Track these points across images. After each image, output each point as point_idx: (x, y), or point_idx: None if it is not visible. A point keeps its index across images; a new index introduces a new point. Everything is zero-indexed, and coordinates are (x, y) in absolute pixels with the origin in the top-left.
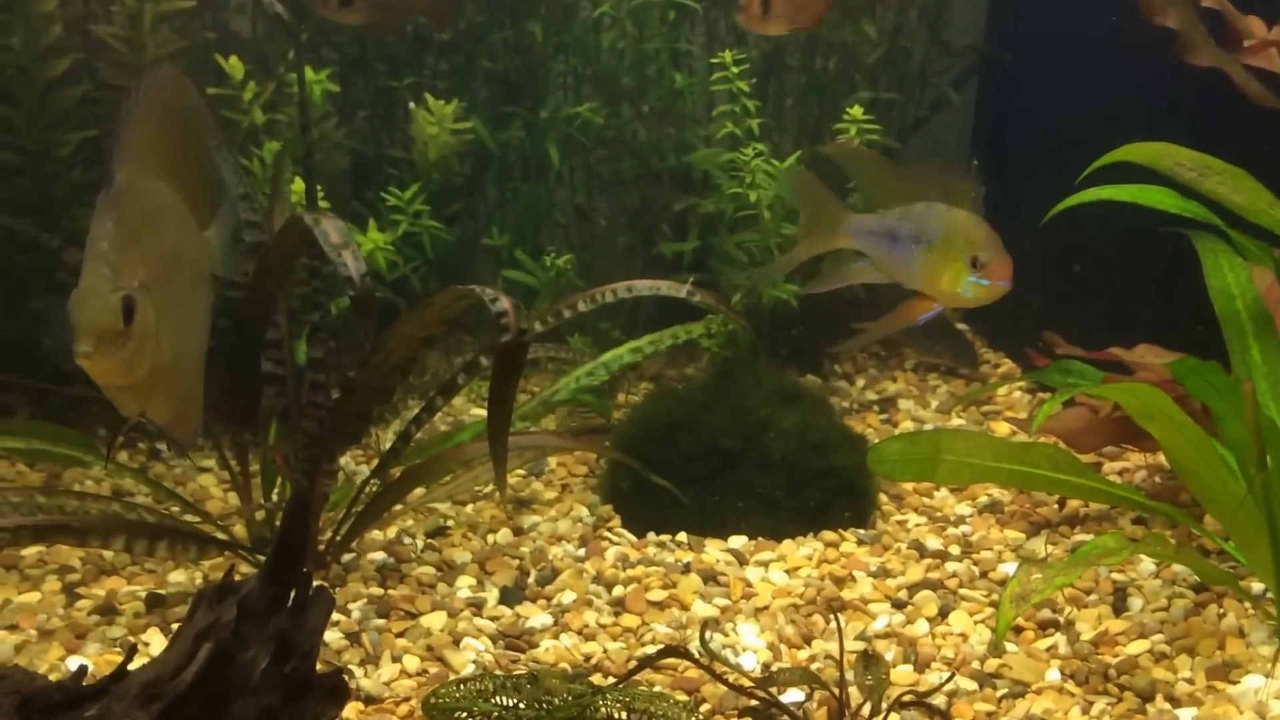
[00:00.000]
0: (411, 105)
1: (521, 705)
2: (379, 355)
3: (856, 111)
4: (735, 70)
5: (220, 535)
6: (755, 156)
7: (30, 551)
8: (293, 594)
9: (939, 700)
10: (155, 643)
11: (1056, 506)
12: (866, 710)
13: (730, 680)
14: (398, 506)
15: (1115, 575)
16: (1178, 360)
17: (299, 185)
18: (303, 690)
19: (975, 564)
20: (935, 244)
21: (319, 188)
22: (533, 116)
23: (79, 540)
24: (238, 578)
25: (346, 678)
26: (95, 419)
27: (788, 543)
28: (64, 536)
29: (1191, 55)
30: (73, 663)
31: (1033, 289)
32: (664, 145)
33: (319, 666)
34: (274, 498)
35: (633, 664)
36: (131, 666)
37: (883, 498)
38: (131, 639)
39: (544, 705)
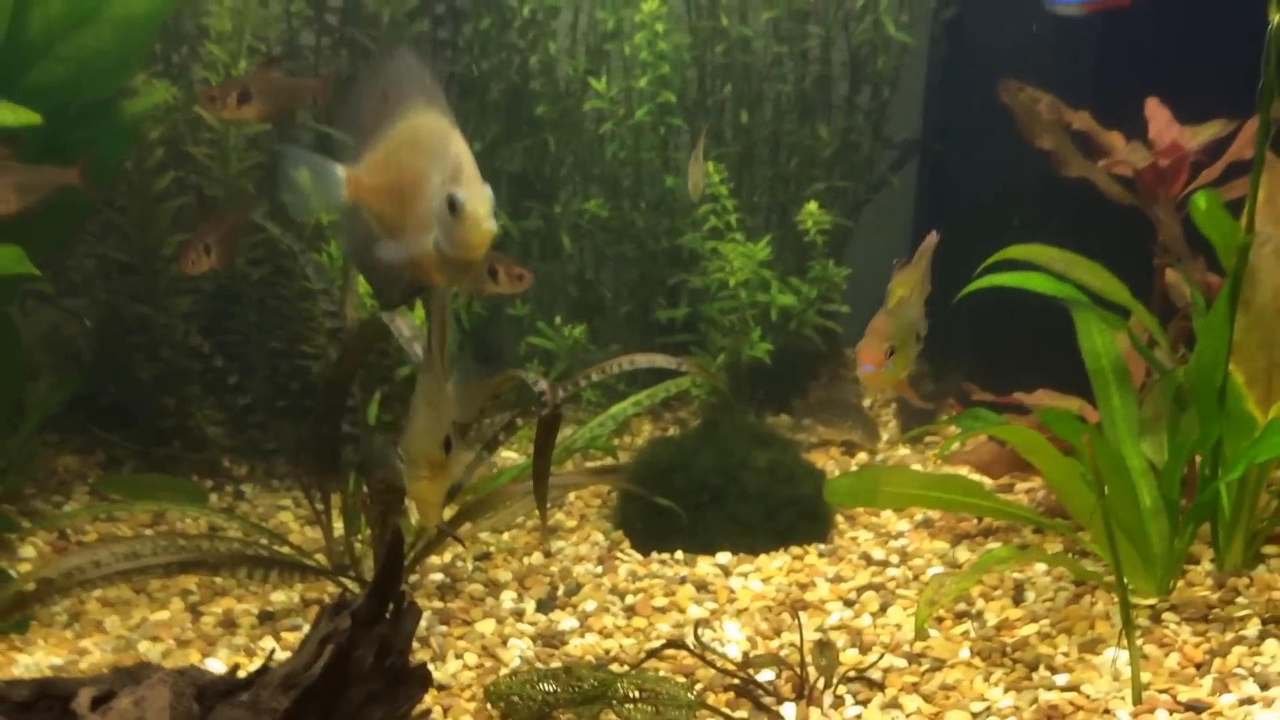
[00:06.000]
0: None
1: (558, 690)
2: None
3: (812, 207)
4: (716, 176)
5: (309, 563)
6: (729, 241)
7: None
8: (390, 607)
9: (877, 675)
10: (269, 646)
11: (975, 522)
12: (821, 685)
13: (718, 665)
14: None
15: (1016, 575)
16: (1044, 410)
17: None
18: (398, 679)
19: (910, 570)
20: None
21: None
22: (547, 209)
23: (212, 571)
24: (326, 598)
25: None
26: (190, 470)
27: (763, 557)
28: (201, 569)
29: (1064, 168)
30: (211, 664)
31: (962, 346)
32: (658, 231)
33: (409, 661)
34: (358, 534)
35: (642, 655)
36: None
37: (839, 519)
38: (252, 646)
39: (576, 689)
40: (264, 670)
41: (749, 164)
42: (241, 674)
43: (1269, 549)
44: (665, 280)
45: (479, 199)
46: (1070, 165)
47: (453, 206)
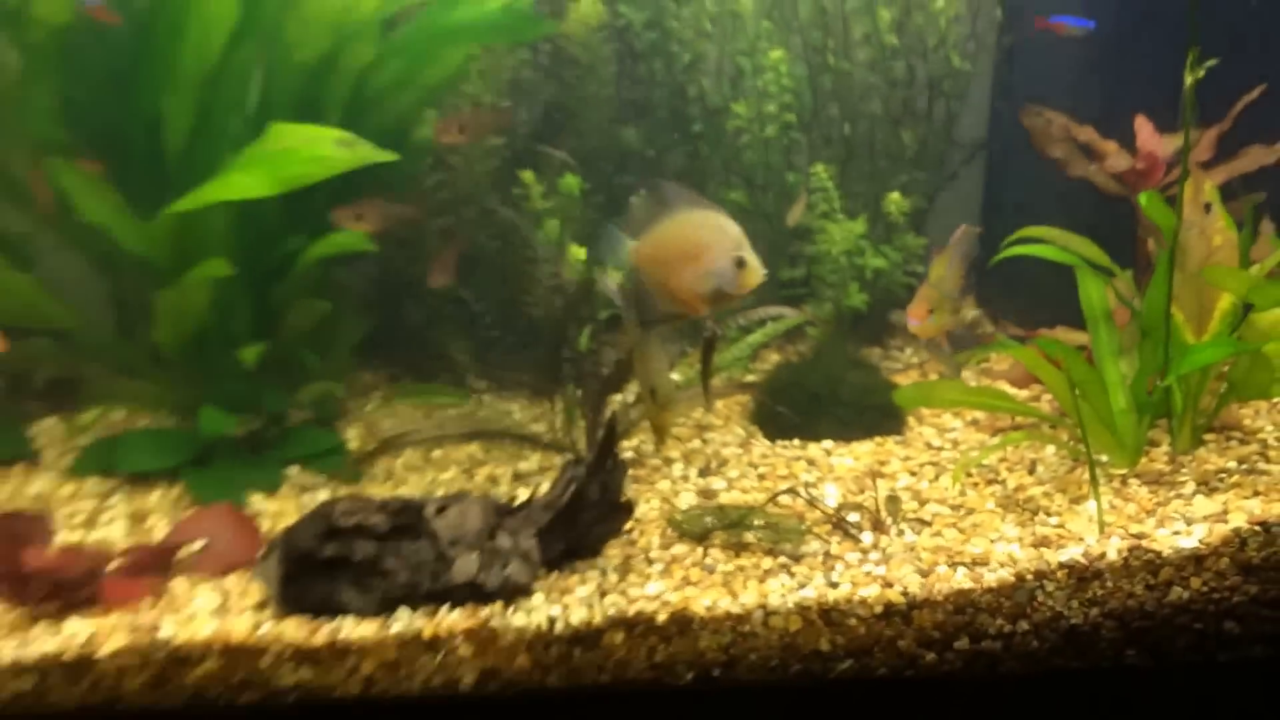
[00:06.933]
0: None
1: (714, 520)
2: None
3: (895, 195)
4: (825, 173)
5: (545, 440)
6: (834, 221)
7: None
8: (607, 463)
9: (927, 516)
10: (523, 495)
11: (1010, 420)
12: (889, 522)
13: (820, 508)
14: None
15: (1031, 455)
16: (1042, 339)
17: (578, 253)
18: (613, 508)
19: (958, 453)
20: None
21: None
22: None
23: (488, 440)
24: (554, 466)
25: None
26: (445, 385)
27: (854, 444)
28: (480, 438)
29: (1070, 170)
30: None
31: (1010, 296)
32: (782, 213)
33: (620, 498)
34: (573, 423)
35: (768, 499)
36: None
37: (910, 419)
38: (512, 494)
39: (725, 519)
40: (531, 499)
41: (850, 162)
42: (517, 502)
43: (1208, 436)
44: (787, 250)
45: (754, 259)
46: (1075, 167)
47: (740, 264)
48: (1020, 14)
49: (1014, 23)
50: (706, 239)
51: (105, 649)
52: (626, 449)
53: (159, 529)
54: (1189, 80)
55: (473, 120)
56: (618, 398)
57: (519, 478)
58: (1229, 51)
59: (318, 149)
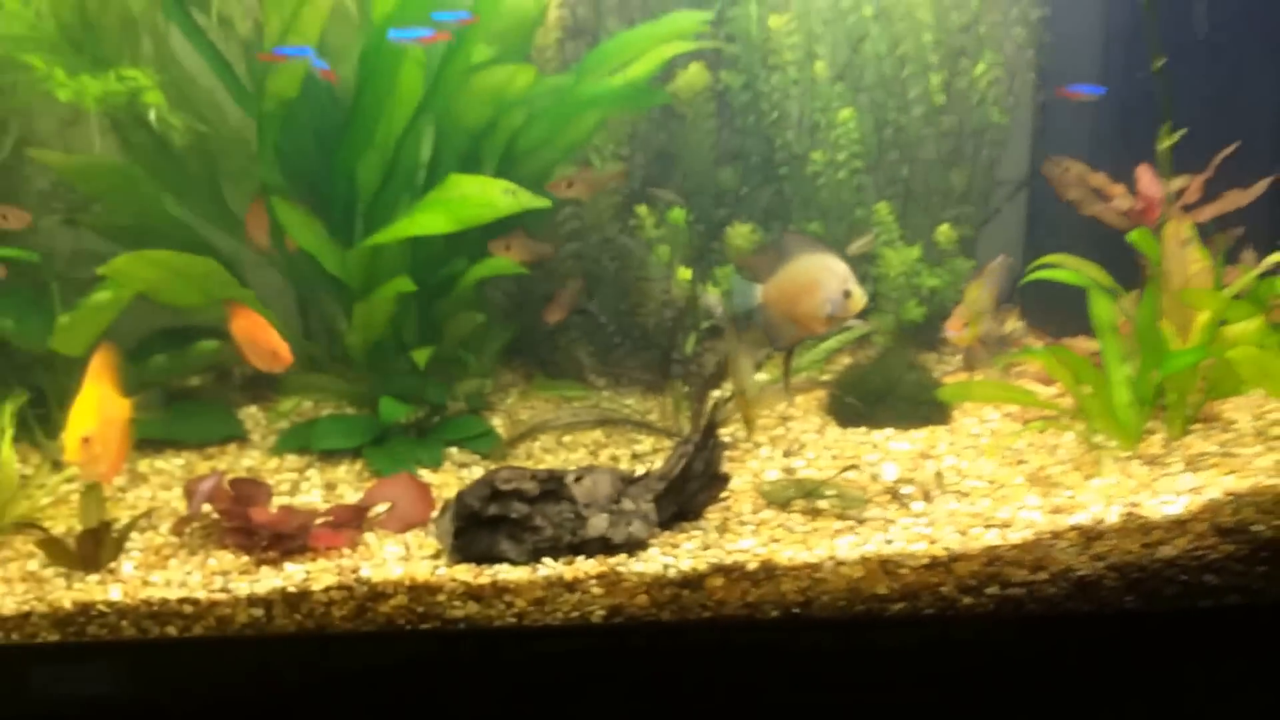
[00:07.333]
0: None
1: (793, 490)
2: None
3: (945, 227)
4: (885, 208)
5: (657, 426)
6: (894, 248)
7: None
8: (709, 443)
9: (966, 489)
10: (640, 470)
11: (1038, 412)
12: (937, 493)
13: (880, 481)
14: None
15: (1053, 440)
16: (1055, 347)
17: (684, 273)
18: (714, 479)
19: (994, 437)
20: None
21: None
22: (784, 229)
23: (613, 426)
24: (664, 448)
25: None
26: (578, 378)
27: (910, 431)
28: (606, 424)
29: (1085, 209)
30: None
31: (1043, 309)
32: (851, 241)
33: (719, 470)
34: (681, 413)
35: (837, 473)
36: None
37: (956, 412)
38: (632, 469)
39: (802, 489)
40: (648, 472)
41: (908, 199)
42: (637, 474)
43: (1196, 426)
44: (856, 272)
45: (858, 289)
46: (1088, 207)
47: (848, 294)
48: (1052, 76)
49: (1046, 82)
50: (821, 276)
51: (317, 585)
52: (724, 434)
53: (347, 495)
54: (1164, 144)
55: (580, 179)
56: (716, 393)
57: (636, 457)
58: (1221, 107)
59: (489, 196)
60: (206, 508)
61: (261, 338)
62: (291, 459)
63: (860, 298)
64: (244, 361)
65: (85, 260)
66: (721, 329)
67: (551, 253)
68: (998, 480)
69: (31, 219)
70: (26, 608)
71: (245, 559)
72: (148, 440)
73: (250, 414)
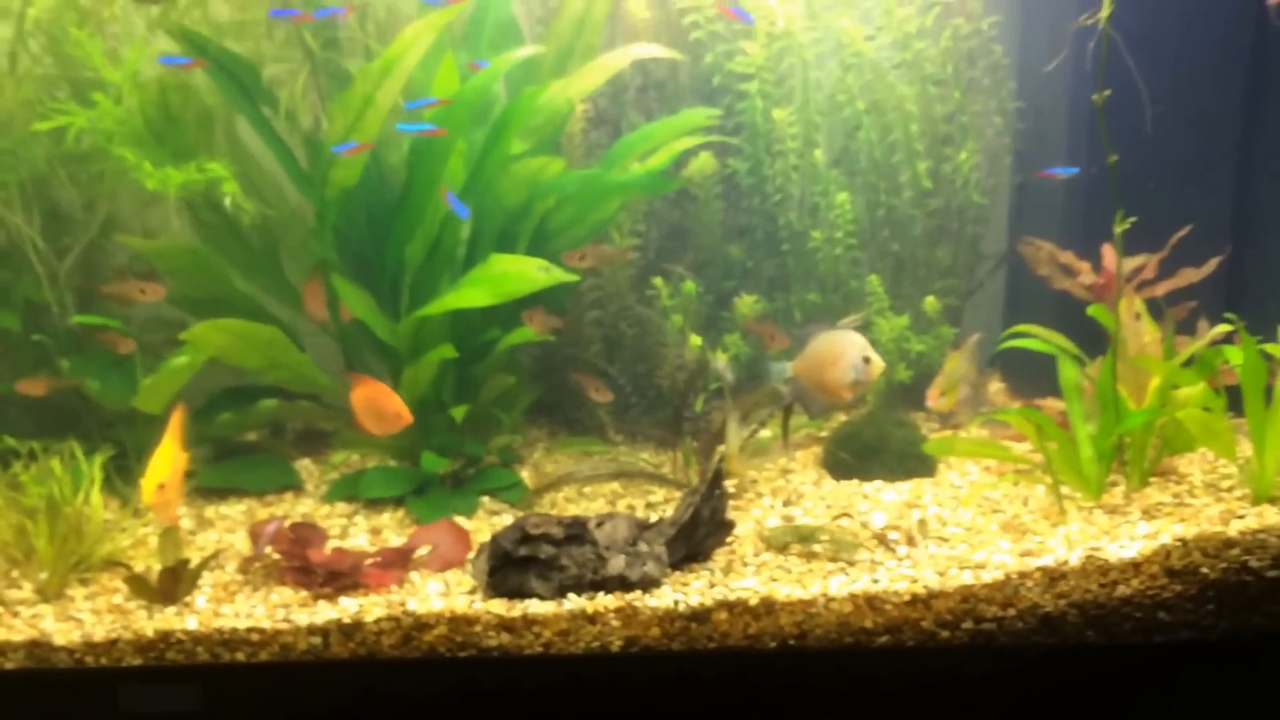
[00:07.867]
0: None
1: (791, 536)
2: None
3: (930, 299)
4: (876, 280)
5: (669, 478)
6: (884, 317)
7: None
8: (715, 492)
9: (947, 535)
10: (654, 517)
11: (1012, 466)
12: (920, 539)
13: (869, 529)
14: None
15: (1025, 491)
16: (1023, 409)
17: (695, 340)
18: (720, 525)
19: (971, 488)
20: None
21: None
22: (786, 298)
23: (628, 478)
24: (675, 497)
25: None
26: (598, 434)
27: (897, 483)
28: (622, 477)
29: (1054, 283)
30: None
31: (1019, 376)
32: (847, 311)
33: (725, 518)
34: (689, 467)
35: (830, 520)
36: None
37: (941, 465)
38: (646, 516)
39: (799, 533)
40: (661, 519)
41: (898, 272)
42: (651, 520)
43: (1154, 479)
44: None
45: (876, 356)
46: (1057, 281)
47: (867, 360)
48: (1027, 160)
49: (1023, 166)
50: (842, 349)
51: (369, 617)
52: (729, 485)
53: (391, 539)
54: (1118, 228)
55: (592, 253)
56: (722, 447)
57: (650, 506)
58: (1180, 191)
59: (526, 272)
60: (269, 549)
61: (384, 402)
62: (341, 506)
63: (879, 362)
64: (354, 426)
65: (156, 327)
66: (726, 398)
67: (561, 325)
68: (975, 527)
69: (164, 292)
70: (114, 635)
71: (304, 594)
72: (213, 489)
73: (304, 465)
